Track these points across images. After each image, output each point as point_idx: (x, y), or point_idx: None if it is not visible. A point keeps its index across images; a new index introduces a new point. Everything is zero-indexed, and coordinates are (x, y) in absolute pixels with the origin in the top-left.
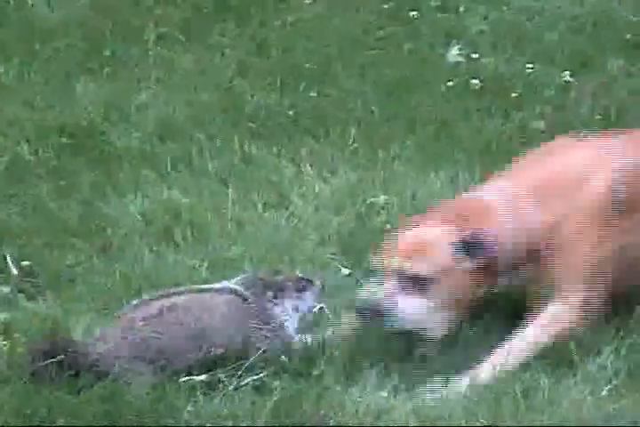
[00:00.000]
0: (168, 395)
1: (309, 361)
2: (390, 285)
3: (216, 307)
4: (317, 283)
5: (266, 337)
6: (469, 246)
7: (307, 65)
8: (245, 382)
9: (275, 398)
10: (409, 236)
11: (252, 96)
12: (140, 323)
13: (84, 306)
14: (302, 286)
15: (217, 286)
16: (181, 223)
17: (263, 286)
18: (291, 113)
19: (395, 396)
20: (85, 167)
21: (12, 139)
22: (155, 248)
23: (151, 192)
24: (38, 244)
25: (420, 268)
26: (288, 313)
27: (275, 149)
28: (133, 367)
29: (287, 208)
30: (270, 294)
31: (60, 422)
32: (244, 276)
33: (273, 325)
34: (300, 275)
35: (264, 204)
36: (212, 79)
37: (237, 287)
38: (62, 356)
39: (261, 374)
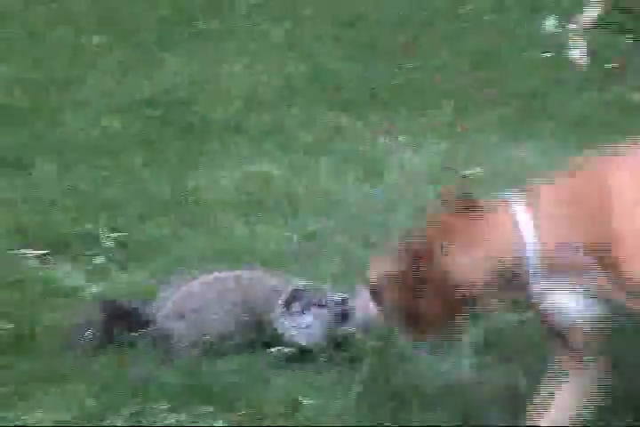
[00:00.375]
0: (258, 366)
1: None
2: None
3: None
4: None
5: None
6: None
7: (397, 37)
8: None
9: (364, 373)
10: None
11: (343, 68)
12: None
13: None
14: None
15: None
16: (272, 195)
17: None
18: (381, 85)
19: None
20: (175, 139)
21: (103, 111)
22: (245, 220)
23: (242, 164)
24: (129, 215)
25: None
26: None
27: (366, 121)
28: (189, 332)
29: (379, 180)
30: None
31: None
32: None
33: None
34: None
35: (356, 176)
36: (302, 51)
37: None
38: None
39: (350, 350)
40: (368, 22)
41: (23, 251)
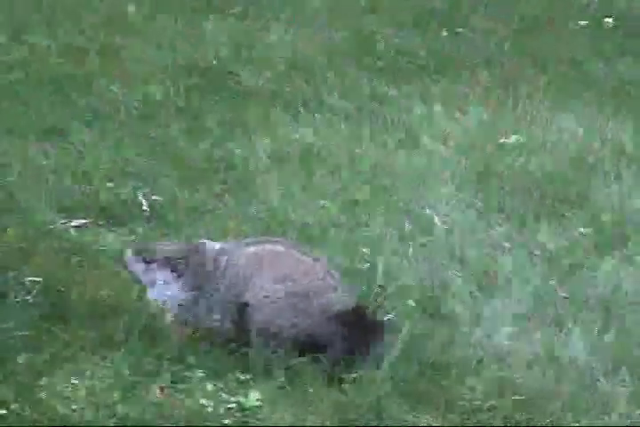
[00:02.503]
0: None
1: (436, 302)
2: None
3: None
4: None
5: None
6: None
7: (437, 4)
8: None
9: (404, 338)
10: None
11: (382, 35)
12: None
13: None
14: None
15: None
16: (312, 163)
17: None
18: (422, 53)
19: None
20: (214, 107)
21: (142, 79)
22: (284, 187)
23: (281, 131)
24: (168, 182)
25: None
26: None
27: (405, 89)
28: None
29: (418, 148)
30: None
31: None
32: None
33: None
34: None
35: (395, 143)
36: (341, 18)
37: None
38: None
39: (391, 314)
40: None
41: (65, 220)
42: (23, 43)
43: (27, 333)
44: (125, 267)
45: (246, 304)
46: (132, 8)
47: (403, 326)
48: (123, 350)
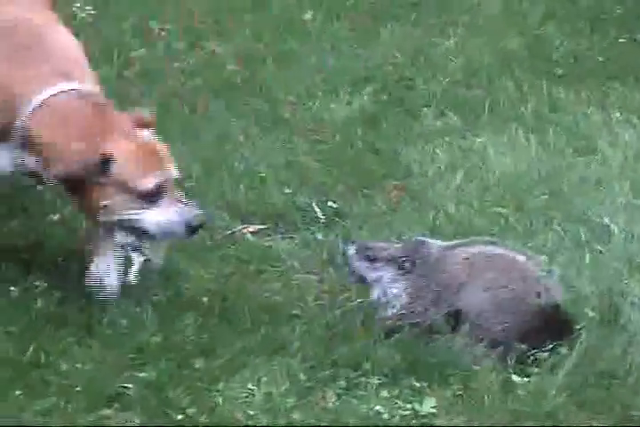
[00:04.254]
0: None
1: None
2: None
3: None
4: None
5: None
6: None
7: (617, 10)
8: None
9: (582, 345)
10: None
11: (561, 42)
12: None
13: None
14: None
15: None
16: (486, 170)
17: None
18: (600, 59)
19: None
20: (391, 113)
21: (319, 87)
22: (457, 194)
23: (456, 138)
24: (343, 188)
25: None
26: None
27: (583, 95)
28: None
29: (596, 155)
30: None
31: None
32: None
33: None
34: None
35: (572, 150)
36: (518, 24)
37: None
38: None
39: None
40: None
41: (241, 227)
42: (201, 49)
43: (203, 337)
44: (345, 264)
45: (458, 311)
46: (308, 15)
47: (580, 334)
48: (299, 355)
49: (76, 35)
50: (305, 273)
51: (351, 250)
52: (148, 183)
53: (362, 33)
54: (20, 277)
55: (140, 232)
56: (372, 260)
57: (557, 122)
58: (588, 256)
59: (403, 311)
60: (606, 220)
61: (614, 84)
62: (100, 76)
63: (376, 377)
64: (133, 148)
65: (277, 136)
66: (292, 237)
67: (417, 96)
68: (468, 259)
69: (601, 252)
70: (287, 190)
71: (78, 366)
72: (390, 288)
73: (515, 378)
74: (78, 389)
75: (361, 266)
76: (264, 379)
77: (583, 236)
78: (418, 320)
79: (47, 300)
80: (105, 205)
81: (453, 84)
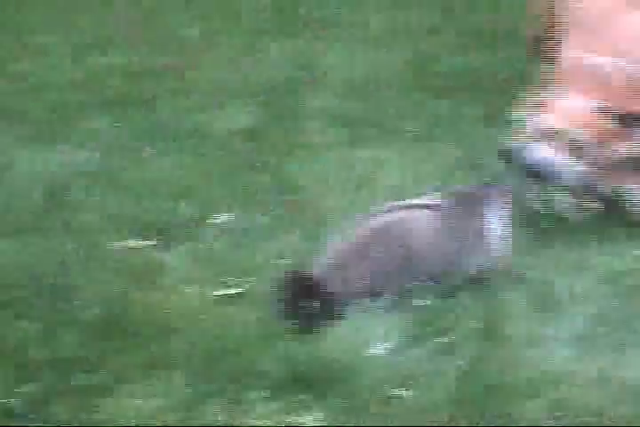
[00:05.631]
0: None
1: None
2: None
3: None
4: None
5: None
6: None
7: (492, 25)
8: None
9: (460, 362)
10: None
11: (445, 56)
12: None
13: None
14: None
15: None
16: (373, 183)
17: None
18: (483, 72)
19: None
20: (276, 126)
21: (204, 101)
22: (344, 207)
23: (341, 152)
24: (229, 202)
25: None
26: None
27: (468, 109)
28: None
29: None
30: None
31: None
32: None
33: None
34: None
35: (456, 164)
36: (403, 39)
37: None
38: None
39: (448, 337)
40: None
41: (133, 241)
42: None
43: (87, 352)
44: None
45: None
46: (195, 31)
47: (460, 348)
48: (182, 370)
49: None
50: (190, 285)
51: None
52: None
53: (247, 47)
54: None
55: None
56: None
57: (442, 136)
58: None
59: None
60: None
61: (496, 98)
62: None
63: (260, 391)
64: None
65: (161, 150)
66: (178, 251)
67: (302, 110)
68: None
69: None
70: (172, 204)
71: None
72: None
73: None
74: None
75: None
76: (146, 394)
77: None
78: None
79: None
80: None
81: (339, 98)
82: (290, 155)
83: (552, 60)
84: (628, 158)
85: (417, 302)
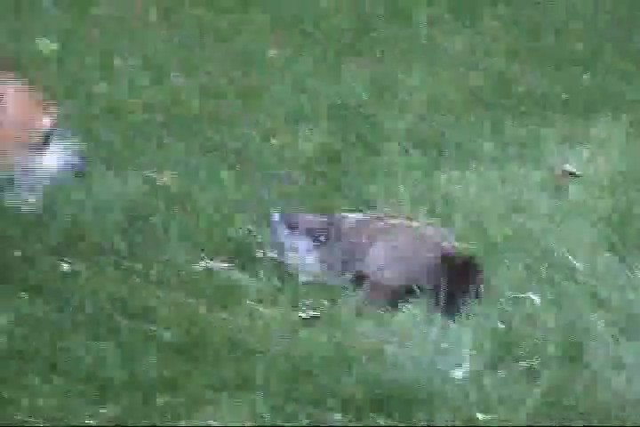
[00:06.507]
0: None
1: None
2: None
3: None
4: None
5: None
6: None
7: (578, 48)
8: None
9: (543, 385)
10: None
11: (524, 78)
12: None
13: None
14: None
15: None
16: (450, 206)
17: None
18: (563, 96)
19: None
20: (352, 147)
21: (283, 120)
22: None
23: (419, 174)
24: None
25: None
26: None
27: (546, 131)
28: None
29: (560, 190)
30: None
31: None
32: None
33: None
34: None
35: (536, 186)
36: (482, 61)
37: None
38: None
39: (530, 361)
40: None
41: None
42: (164, 84)
43: (166, 373)
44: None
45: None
46: (274, 51)
47: (542, 371)
48: (262, 392)
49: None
50: (269, 308)
51: (276, 217)
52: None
53: (325, 69)
54: None
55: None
56: (293, 228)
57: (521, 158)
58: (551, 293)
59: (314, 277)
60: (569, 256)
61: (578, 121)
62: (63, 112)
63: (340, 414)
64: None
65: (241, 172)
66: (259, 272)
67: (380, 132)
68: (373, 228)
69: (565, 288)
70: (253, 225)
71: (41, 402)
72: (304, 257)
73: (479, 416)
74: (40, 426)
75: (282, 233)
76: (227, 416)
77: (546, 272)
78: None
79: (10, 336)
80: None
81: (416, 120)
82: (372, 176)
83: None
84: None
85: (499, 325)
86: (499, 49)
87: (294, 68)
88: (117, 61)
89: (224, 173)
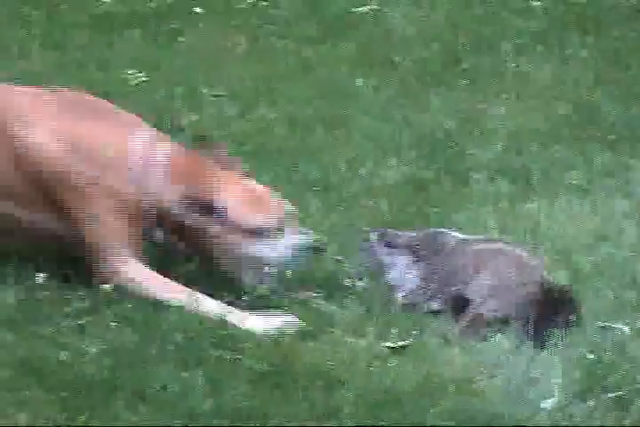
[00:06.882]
0: None
1: None
2: None
3: None
4: None
5: None
6: None
7: None
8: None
9: (633, 415)
10: None
11: (612, 107)
12: None
13: None
14: None
15: None
16: (538, 235)
17: None
18: None
19: None
20: (439, 177)
21: (370, 150)
22: None
23: (506, 204)
24: None
25: None
26: None
27: (632, 161)
28: None
29: None
30: None
31: None
32: None
33: None
34: None
35: (623, 216)
36: (569, 90)
37: None
38: None
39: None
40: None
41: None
42: (251, 115)
43: (254, 403)
44: (366, 250)
45: (464, 297)
46: (359, 81)
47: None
48: (349, 421)
49: (128, 100)
50: (356, 337)
51: (373, 236)
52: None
53: (412, 99)
54: (70, 343)
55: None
56: (390, 246)
57: (609, 187)
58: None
59: (412, 293)
60: None
61: None
62: None
63: None
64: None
65: (328, 201)
66: (345, 302)
67: (467, 162)
68: (478, 251)
69: None
70: (338, 257)
71: None
72: (404, 273)
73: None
74: None
75: (380, 252)
76: None
77: (635, 301)
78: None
79: (99, 365)
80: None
81: (503, 150)
82: (459, 205)
83: None
84: None
85: (588, 355)
86: (587, 78)
87: (380, 98)
88: (204, 91)
89: (311, 203)
